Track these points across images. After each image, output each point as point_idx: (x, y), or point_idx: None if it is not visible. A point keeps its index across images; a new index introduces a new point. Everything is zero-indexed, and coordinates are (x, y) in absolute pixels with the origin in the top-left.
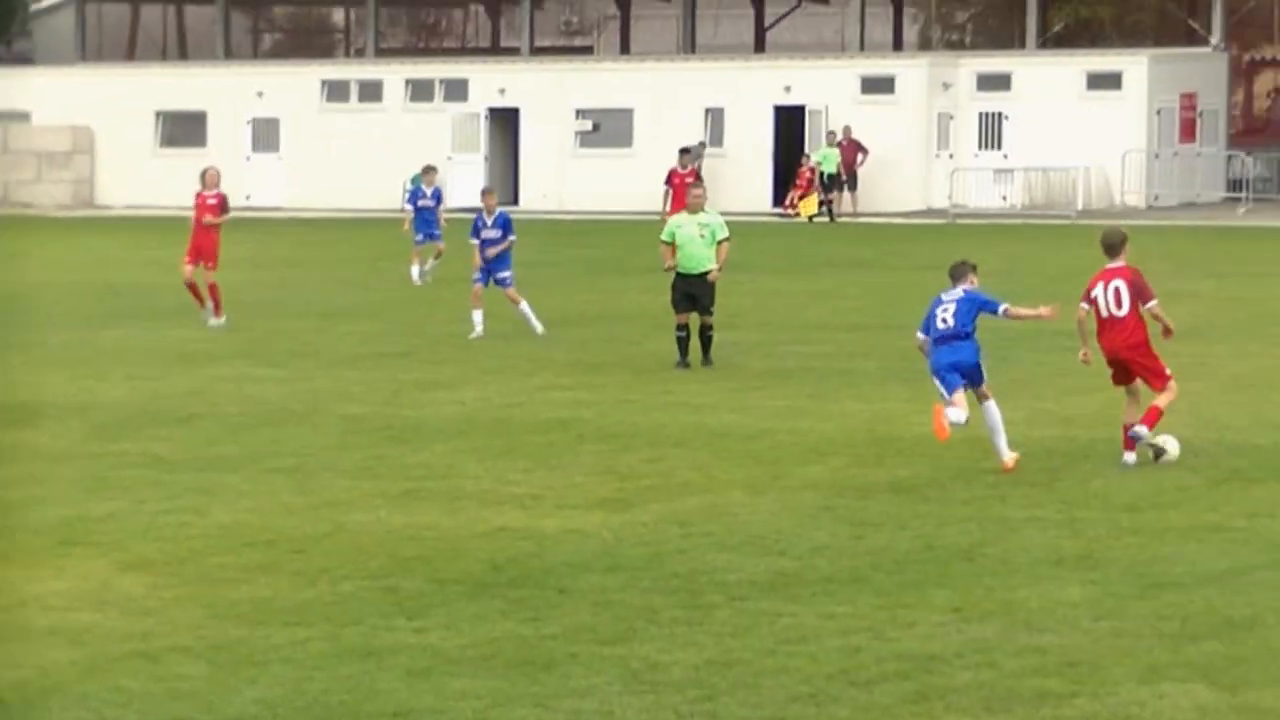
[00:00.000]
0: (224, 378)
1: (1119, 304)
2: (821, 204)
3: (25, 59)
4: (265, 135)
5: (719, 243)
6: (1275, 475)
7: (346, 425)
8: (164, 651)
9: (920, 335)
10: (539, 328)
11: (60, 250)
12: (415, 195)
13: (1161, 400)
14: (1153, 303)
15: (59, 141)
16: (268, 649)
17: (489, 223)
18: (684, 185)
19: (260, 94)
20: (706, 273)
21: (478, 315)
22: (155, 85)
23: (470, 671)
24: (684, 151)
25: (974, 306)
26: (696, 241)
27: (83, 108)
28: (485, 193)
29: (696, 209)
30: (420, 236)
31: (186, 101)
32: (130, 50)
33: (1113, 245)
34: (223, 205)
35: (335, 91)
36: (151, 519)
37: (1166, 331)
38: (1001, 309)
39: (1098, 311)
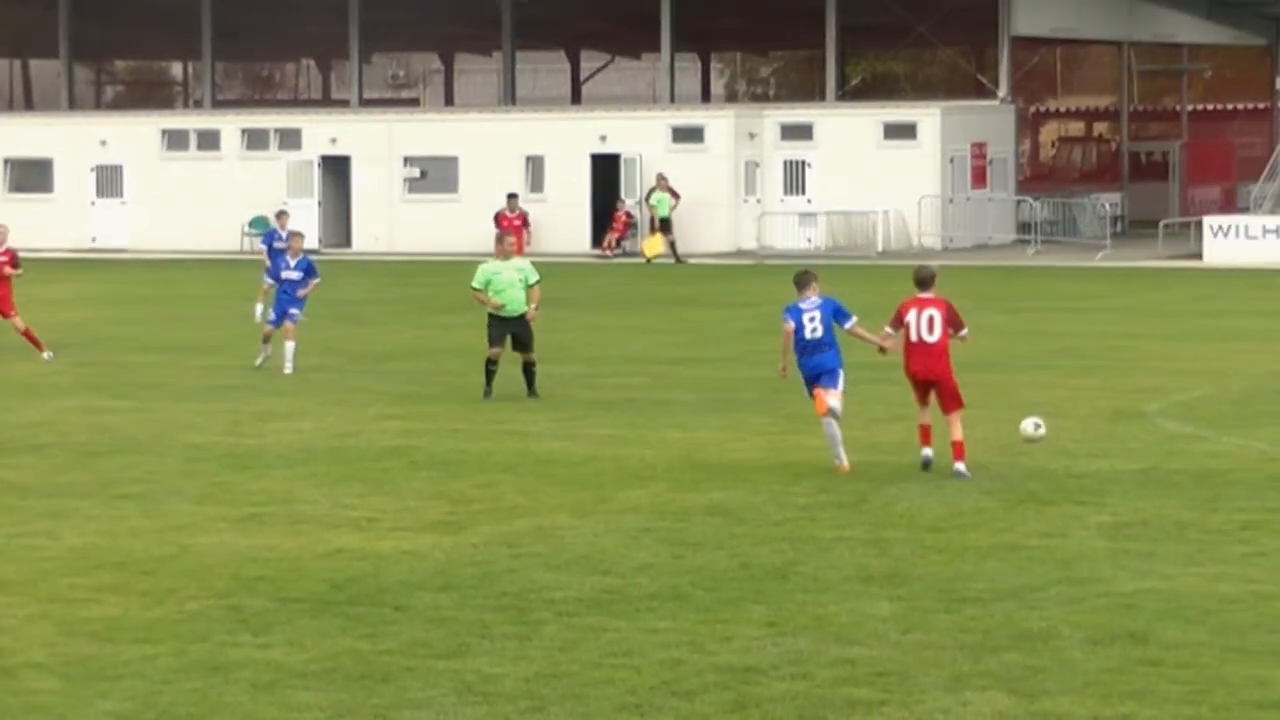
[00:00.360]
0: (72, 409)
1: (931, 330)
2: (674, 245)
3: None
4: (109, 181)
5: (530, 286)
6: (1067, 497)
7: (191, 454)
8: (19, 667)
9: (791, 323)
10: (290, 367)
11: None
12: (271, 237)
13: (958, 431)
14: (964, 331)
15: None
16: (118, 664)
17: (291, 264)
18: (513, 227)
19: (103, 142)
20: (525, 314)
21: (267, 349)
22: (2, 134)
23: (313, 685)
24: (511, 196)
25: (831, 313)
26: (516, 286)
27: None
28: (293, 235)
29: (508, 256)
30: (270, 279)
31: (33, 149)
32: None
33: (925, 280)
34: (14, 260)
35: (175, 140)
36: (5, 542)
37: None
38: (851, 322)
39: (908, 335)
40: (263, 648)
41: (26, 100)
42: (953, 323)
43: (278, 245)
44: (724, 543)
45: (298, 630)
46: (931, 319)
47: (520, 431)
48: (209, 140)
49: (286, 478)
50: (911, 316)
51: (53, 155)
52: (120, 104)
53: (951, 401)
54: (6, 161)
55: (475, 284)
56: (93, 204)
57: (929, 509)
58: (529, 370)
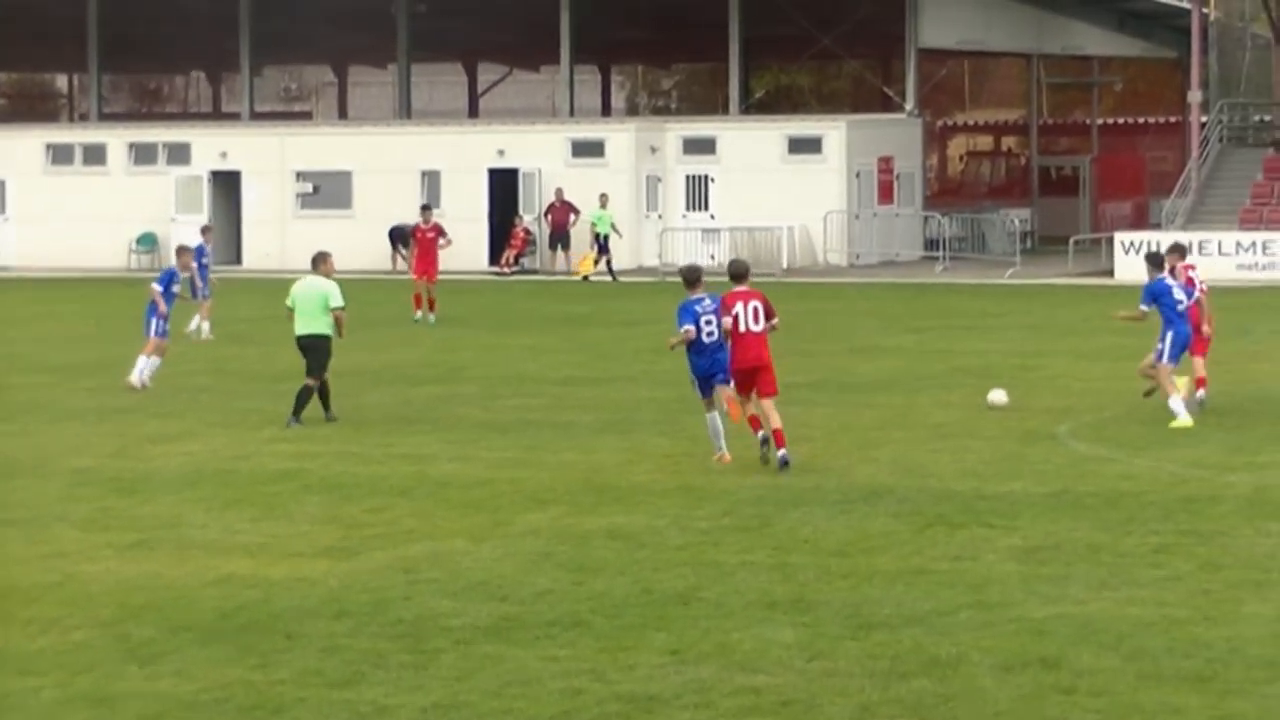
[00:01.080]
0: None
1: (757, 320)
2: (596, 262)
3: None
4: None
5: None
6: (976, 520)
7: (76, 478)
8: None
9: (690, 327)
10: (146, 380)
11: None
12: (199, 253)
13: (777, 419)
14: (775, 319)
15: None
16: (0, 697)
17: (181, 279)
18: (426, 240)
19: None
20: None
21: (143, 361)
22: None
23: (203, 717)
24: (425, 208)
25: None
26: None
27: None
28: (182, 250)
29: (330, 275)
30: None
31: None
32: None
33: (742, 273)
34: None
35: (60, 155)
36: None
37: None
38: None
39: (736, 327)
40: (150, 679)
41: None
42: (769, 313)
43: (204, 261)
44: (625, 568)
45: (186, 660)
46: (756, 310)
47: (414, 454)
48: (95, 155)
49: (175, 502)
50: (739, 308)
51: None
52: (3, 117)
53: (769, 386)
54: None
55: (342, 304)
56: None
57: (834, 533)
58: (326, 392)
